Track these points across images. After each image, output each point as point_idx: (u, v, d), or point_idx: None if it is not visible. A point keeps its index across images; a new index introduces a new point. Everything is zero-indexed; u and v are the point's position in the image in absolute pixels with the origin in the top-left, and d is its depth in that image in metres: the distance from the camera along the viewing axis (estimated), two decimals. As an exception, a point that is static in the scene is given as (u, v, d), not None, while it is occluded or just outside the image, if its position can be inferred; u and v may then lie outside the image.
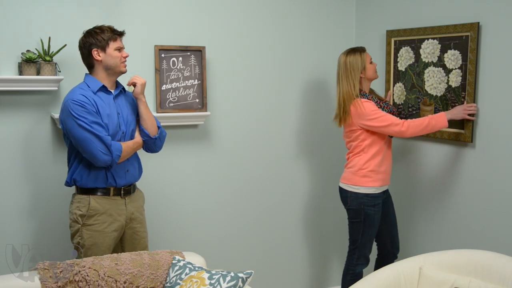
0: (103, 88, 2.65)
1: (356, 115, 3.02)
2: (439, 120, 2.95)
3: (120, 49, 2.64)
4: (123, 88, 2.77)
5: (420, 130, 2.96)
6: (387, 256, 3.28)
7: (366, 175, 3.06)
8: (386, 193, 3.21)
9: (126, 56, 2.67)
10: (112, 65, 2.63)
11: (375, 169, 3.06)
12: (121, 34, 2.67)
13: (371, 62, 3.10)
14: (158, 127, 2.79)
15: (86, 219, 2.64)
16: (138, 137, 2.74)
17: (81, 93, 2.57)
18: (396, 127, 2.96)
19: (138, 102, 2.72)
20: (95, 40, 2.59)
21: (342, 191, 3.18)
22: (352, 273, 3.21)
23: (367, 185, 3.06)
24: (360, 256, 3.19)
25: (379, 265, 3.34)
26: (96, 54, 2.60)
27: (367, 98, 3.05)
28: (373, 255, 3.39)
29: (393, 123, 2.96)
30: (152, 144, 2.78)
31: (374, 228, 3.14)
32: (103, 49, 2.60)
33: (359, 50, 3.08)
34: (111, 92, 2.69)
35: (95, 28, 2.64)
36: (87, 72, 2.70)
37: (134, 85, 2.71)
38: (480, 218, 2.97)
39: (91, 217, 2.64)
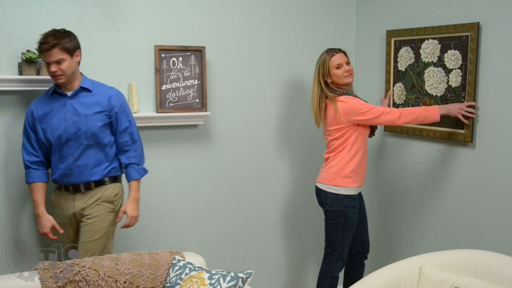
0: (55, 91, 2.75)
1: (346, 112, 2.98)
2: (431, 113, 2.95)
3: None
4: (87, 88, 2.77)
5: (412, 119, 2.96)
6: (357, 257, 3.27)
7: (347, 175, 3.03)
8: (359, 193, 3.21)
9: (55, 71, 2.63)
10: None
11: (355, 170, 3.04)
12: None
13: (338, 67, 3.02)
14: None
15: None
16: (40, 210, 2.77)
17: (36, 101, 2.78)
18: (388, 115, 2.96)
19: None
20: None
21: (320, 192, 3.11)
22: (331, 276, 3.15)
23: (348, 186, 3.04)
24: (338, 259, 3.14)
25: (350, 267, 3.31)
26: None
27: (352, 96, 3.05)
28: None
29: (384, 112, 2.96)
30: None
31: (352, 230, 3.11)
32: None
33: (329, 52, 3.06)
34: (65, 94, 2.75)
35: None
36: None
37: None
38: (480, 218, 2.97)
39: (52, 209, 2.86)
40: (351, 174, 3.03)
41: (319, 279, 3.20)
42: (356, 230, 3.19)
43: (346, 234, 3.10)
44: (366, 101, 3.12)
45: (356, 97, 3.06)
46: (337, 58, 3.04)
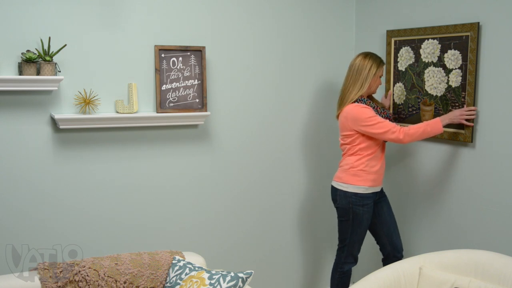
0: None
1: (352, 119, 3.04)
2: (434, 127, 2.97)
3: None
4: None
5: (417, 137, 2.98)
6: (390, 259, 3.27)
7: (356, 173, 3.07)
8: (379, 194, 3.20)
9: None
10: None
11: (366, 169, 3.07)
12: None
13: (380, 77, 3.14)
14: None
15: None
16: None
17: None
18: (393, 134, 2.97)
19: None
20: None
21: (332, 190, 3.21)
22: (341, 271, 3.24)
23: (356, 183, 3.07)
24: (348, 255, 3.20)
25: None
26: None
27: (365, 104, 3.06)
28: (378, 256, 3.38)
29: (390, 130, 2.97)
30: None
31: (362, 228, 3.14)
32: None
33: (382, 61, 3.12)
34: None
35: None
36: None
37: None
38: (480, 218, 2.97)
39: None
40: (360, 172, 3.06)
41: (331, 274, 3.32)
42: (382, 230, 3.24)
43: (356, 232, 3.13)
44: (385, 107, 3.23)
45: (370, 106, 3.07)
46: (383, 69, 3.15)
